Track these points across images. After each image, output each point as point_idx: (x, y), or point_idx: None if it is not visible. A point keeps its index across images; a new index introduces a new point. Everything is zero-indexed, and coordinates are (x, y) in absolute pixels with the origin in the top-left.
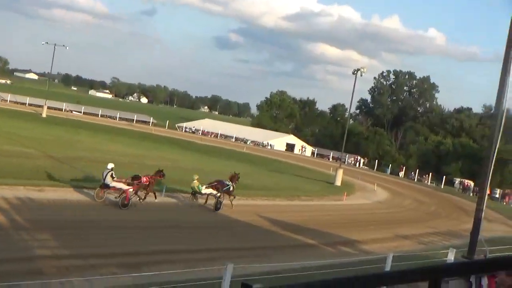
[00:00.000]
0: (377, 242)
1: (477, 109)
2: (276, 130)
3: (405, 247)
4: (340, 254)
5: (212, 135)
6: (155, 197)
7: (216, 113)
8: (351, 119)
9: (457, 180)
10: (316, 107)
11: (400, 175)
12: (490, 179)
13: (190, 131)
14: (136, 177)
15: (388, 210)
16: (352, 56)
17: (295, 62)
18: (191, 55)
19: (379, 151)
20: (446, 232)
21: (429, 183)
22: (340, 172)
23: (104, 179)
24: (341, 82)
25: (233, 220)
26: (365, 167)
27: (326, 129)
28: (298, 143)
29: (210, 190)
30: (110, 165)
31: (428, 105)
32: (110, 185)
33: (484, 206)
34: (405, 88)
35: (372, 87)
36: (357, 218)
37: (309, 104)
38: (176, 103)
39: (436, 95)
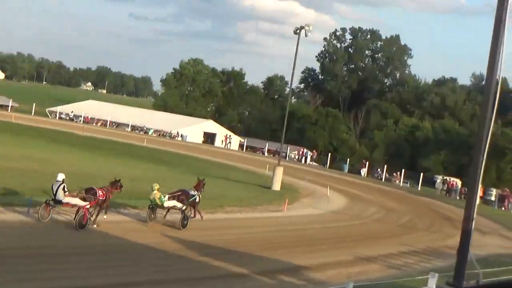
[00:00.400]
0: (332, 268)
1: (464, 80)
2: (190, 115)
3: (370, 273)
4: (280, 287)
5: (99, 123)
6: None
7: (104, 91)
8: (293, 97)
9: (439, 179)
10: (245, 80)
11: (363, 173)
12: (482, 176)
13: (68, 118)
14: (90, 190)
15: (346, 222)
16: (293, 9)
17: (214, 18)
18: (65, 9)
19: (333, 140)
20: (425, 250)
21: (401, 184)
22: (279, 172)
23: (55, 194)
24: (278, 45)
25: (129, 243)
26: (315, 164)
27: (259, 112)
28: (220, 131)
29: (174, 203)
30: (61, 176)
31: (398, 75)
32: (63, 201)
33: (475, 213)
34: (366, 52)
35: (322, 51)
36: (303, 235)
37: (235, 77)
38: (46, 78)
39: (409, 61)
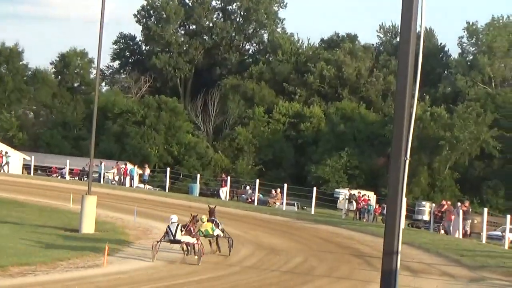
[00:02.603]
0: None
1: (368, 36)
2: None
3: None
4: None
5: None
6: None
7: None
8: (104, 84)
9: (343, 194)
10: (24, 62)
11: (223, 195)
12: (407, 184)
13: None
14: (186, 226)
15: (201, 275)
16: None
17: None
18: None
19: (172, 147)
20: None
21: (284, 206)
22: (90, 204)
23: (175, 235)
24: (70, 1)
25: None
26: (147, 187)
27: (51, 111)
28: None
29: (218, 231)
30: (175, 218)
31: (266, 37)
32: (181, 240)
33: (400, 243)
34: (214, 3)
35: (144, 7)
36: None
37: (6, 58)
38: None
39: (282, 14)
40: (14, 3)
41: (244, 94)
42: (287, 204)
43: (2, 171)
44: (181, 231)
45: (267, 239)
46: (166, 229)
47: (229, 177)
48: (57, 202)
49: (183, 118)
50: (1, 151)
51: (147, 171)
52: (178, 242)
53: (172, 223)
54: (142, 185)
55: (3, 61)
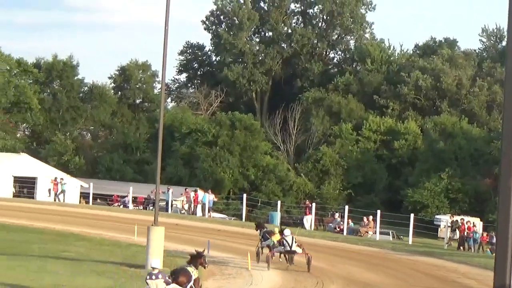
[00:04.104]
0: None
1: (470, 41)
2: None
3: None
4: None
5: None
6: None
7: None
8: (169, 99)
9: (444, 220)
10: (80, 77)
11: (308, 224)
12: None
13: None
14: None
15: None
16: None
17: None
18: None
19: (248, 171)
20: None
21: (377, 236)
22: (157, 236)
23: (291, 246)
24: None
25: None
26: (220, 216)
27: (110, 131)
28: (44, 173)
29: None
30: (288, 231)
31: (353, 43)
32: (297, 250)
33: None
34: (293, 7)
35: (213, 12)
36: None
37: (60, 73)
38: None
39: (370, 17)
40: (68, 10)
41: (329, 108)
42: (380, 233)
43: (57, 200)
44: (295, 243)
45: (359, 274)
46: (281, 241)
47: (313, 204)
48: (120, 234)
49: (260, 137)
50: (56, 178)
51: (211, 196)
52: (294, 252)
53: (287, 235)
54: (217, 214)
55: (56, 76)
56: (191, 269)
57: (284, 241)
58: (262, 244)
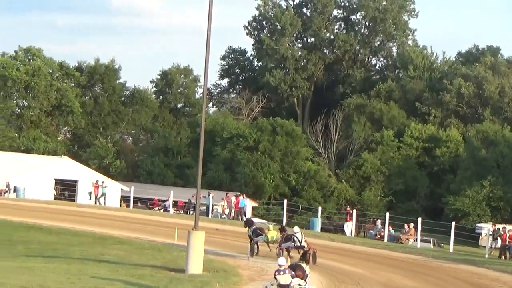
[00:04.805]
0: None
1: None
2: (26, 151)
3: None
4: None
5: None
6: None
7: None
8: (210, 104)
9: (485, 229)
10: (121, 81)
11: (348, 231)
12: None
13: None
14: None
15: None
16: None
17: None
18: None
19: (289, 176)
20: None
21: (418, 243)
22: (198, 241)
23: (301, 242)
24: (174, 11)
25: None
26: (260, 221)
27: (151, 135)
28: (85, 176)
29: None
30: (298, 229)
31: (395, 50)
32: (305, 246)
33: None
34: (335, 13)
35: (256, 17)
36: None
37: (102, 76)
38: None
39: (413, 23)
40: (110, 14)
41: (371, 115)
42: (421, 240)
43: (97, 203)
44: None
45: (400, 281)
46: (292, 238)
47: (354, 210)
48: (160, 238)
49: (302, 143)
50: (97, 181)
51: (246, 201)
52: (303, 247)
53: (296, 233)
54: (257, 220)
55: (98, 79)
56: (304, 265)
57: (294, 237)
58: (256, 240)
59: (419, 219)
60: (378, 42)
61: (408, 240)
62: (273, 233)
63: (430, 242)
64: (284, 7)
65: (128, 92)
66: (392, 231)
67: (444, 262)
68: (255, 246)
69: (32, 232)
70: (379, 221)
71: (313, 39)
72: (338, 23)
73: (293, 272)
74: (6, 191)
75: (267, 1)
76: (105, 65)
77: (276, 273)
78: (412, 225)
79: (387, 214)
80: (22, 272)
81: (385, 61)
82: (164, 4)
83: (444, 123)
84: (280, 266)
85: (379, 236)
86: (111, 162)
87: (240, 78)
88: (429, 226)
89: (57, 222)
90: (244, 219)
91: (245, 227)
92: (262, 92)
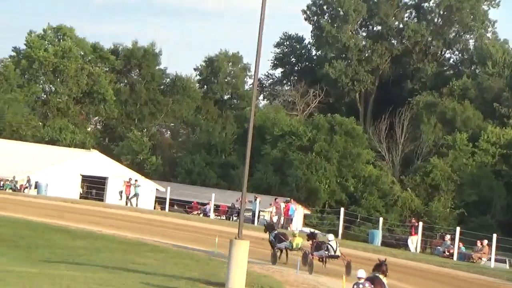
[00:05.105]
0: None
1: None
2: (51, 143)
3: None
4: None
5: None
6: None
7: None
8: (261, 97)
9: None
10: (161, 67)
11: (413, 246)
12: None
13: None
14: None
15: None
16: None
17: None
18: None
19: (347, 182)
20: None
21: (492, 263)
22: (241, 252)
23: (335, 251)
24: None
25: None
26: (311, 231)
27: (193, 129)
28: (115, 172)
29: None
30: (332, 236)
31: (472, 43)
32: (340, 255)
33: None
34: None
35: (315, 1)
36: None
37: (139, 61)
38: None
39: (492, 14)
40: None
41: (442, 115)
42: (496, 260)
43: (129, 204)
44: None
45: None
46: (325, 246)
47: (420, 223)
48: (198, 246)
49: (363, 144)
50: (130, 179)
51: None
52: (337, 257)
53: (330, 240)
54: (307, 229)
55: (135, 64)
56: (381, 276)
57: (328, 245)
58: (278, 246)
59: (494, 235)
60: (453, 34)
61: (481, 259)
62: (298, 240)
63: (506, 262)
64: None
65: (168, 80)
66: (462, 248)
67: None
68: (278, 253)
69: (54, 235)
70: (448, 237)
71: (379, 28)
72: (408, 11)
73: (372, 286)
74: (26, 187)
75: None
76: (144, 49)
77: (355, 286)
78: (485, 242)
79: (458, 229)
80: (38, 280)
81: (460, 55)
82: None
83: None
84: (359, 278)
85: (447, 253)
86: (146, 158)
87: (296, 68)
88: (505, 244)
89: (82, 224)
90: (265, 222)
91: (265, 232)
92: (320, 85)
